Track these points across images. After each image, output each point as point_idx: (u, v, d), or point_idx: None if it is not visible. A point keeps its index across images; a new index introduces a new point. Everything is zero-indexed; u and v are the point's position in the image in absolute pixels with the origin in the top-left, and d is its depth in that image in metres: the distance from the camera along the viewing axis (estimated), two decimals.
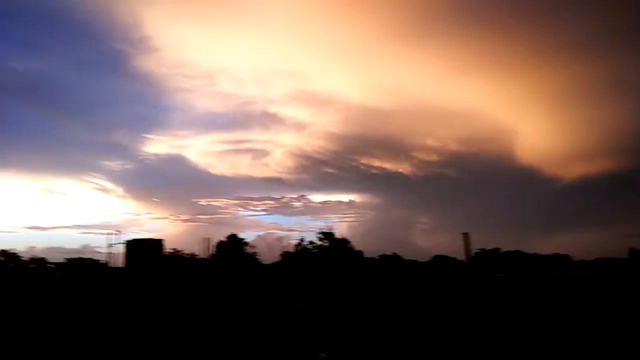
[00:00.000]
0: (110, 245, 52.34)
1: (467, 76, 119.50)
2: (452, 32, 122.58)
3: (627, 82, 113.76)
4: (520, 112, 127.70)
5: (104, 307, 22.77)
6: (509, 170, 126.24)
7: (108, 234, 53.96)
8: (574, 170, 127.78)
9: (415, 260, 73.58)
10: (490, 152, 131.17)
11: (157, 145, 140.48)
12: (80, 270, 50.70)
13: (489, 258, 69.96)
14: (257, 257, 63.41)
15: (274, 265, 53.68)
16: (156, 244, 44.36)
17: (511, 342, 13.11)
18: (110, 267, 51.65)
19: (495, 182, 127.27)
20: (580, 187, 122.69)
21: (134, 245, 43.04)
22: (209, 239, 53.45)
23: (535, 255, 77.21)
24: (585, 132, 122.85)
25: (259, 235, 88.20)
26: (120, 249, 47.07)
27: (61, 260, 65.34)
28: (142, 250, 41.68)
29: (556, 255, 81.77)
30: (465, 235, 50.44)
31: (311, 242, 55.52)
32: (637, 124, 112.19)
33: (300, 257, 53.23)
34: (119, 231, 53.27)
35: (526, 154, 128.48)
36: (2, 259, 73.46)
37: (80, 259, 61.34)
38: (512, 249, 75.02)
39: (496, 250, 73.69)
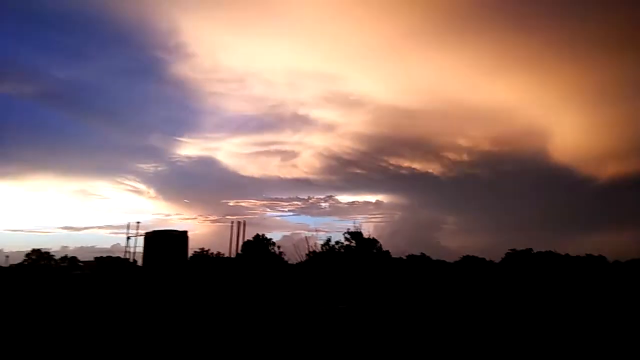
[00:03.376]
0: (128, 239, 46.12)
1: (500, 75, 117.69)
2: (483, 31, 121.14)
3: None
4: (553, 111, 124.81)
5: (117, 305, 22.31)
6: (542, 171, 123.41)
7: (128, 231, 49.30)
8: (609, 170, 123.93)
9: (443, 261, 71.97)
10: (523, 152, 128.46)
11: (189, 148, 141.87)
12: (104, 268, 47.93)
13: (521, 258, 67.81)
14: (283, 256, 62.78)
15: (300, 264, 52.83)
16: (179, 236, 39.02)
17: None
18: (130, 263, 46.39)
19: (528, 183, 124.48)
20: (615, 187, 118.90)
21: (154, 238, 37.95)
22: (239, 222, 51.70)
23: (567, 256, 74.56)
24: (620, 130, 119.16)
25: (285, 235, 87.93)
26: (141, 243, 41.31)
27: (90, 259, 65.79)
28: (164, 243, 36.98)
29: (590, 256, 78.82)
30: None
31: (337, 242, 54.47)
32: None
33: (326, 256, 52.22)
34: (138, 222, 49.82)
35: (560, 153, 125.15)
36: (34, 257, 75.04)
37: (108, 257, 61.62)
38: (545, 250, 72.58)
39: (529, 250, 71.42)
